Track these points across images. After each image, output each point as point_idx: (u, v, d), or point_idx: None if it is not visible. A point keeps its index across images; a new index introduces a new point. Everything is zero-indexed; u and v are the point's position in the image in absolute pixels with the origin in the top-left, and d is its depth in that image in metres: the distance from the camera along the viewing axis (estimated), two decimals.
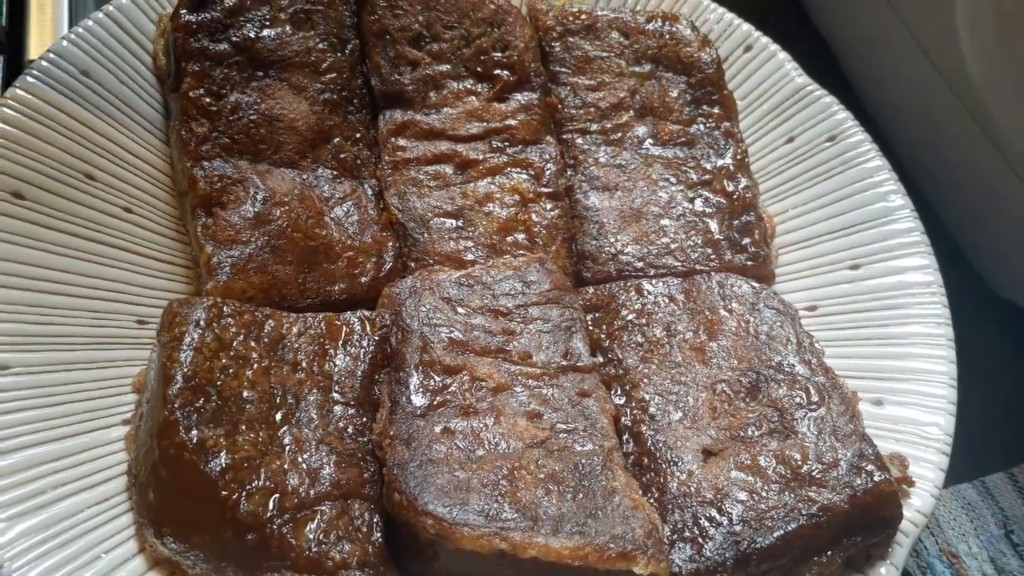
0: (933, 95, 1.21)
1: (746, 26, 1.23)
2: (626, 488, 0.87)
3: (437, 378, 0.92)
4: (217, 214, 1.00)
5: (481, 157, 1.10)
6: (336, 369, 0.93)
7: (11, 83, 1.00)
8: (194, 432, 0.86)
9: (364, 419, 0.91)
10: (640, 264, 1.08)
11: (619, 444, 0.92)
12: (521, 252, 1.05)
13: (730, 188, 1.12)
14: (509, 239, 1.06)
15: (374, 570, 0.84)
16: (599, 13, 1.21)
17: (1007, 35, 1.08)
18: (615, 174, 1.13)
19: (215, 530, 0.84)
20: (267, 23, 1.08)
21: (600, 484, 0.86)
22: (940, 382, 1.00)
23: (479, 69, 1.13)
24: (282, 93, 1.07)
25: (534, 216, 1.08)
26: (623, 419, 0.96)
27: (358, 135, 1.10)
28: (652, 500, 0.90)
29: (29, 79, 1.00)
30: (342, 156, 1.08)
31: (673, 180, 1.13)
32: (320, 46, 1.10)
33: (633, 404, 0.97)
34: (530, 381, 0.93)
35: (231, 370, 0.90)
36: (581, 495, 0.85)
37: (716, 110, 1.16)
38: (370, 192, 1.08)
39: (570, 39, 1.19)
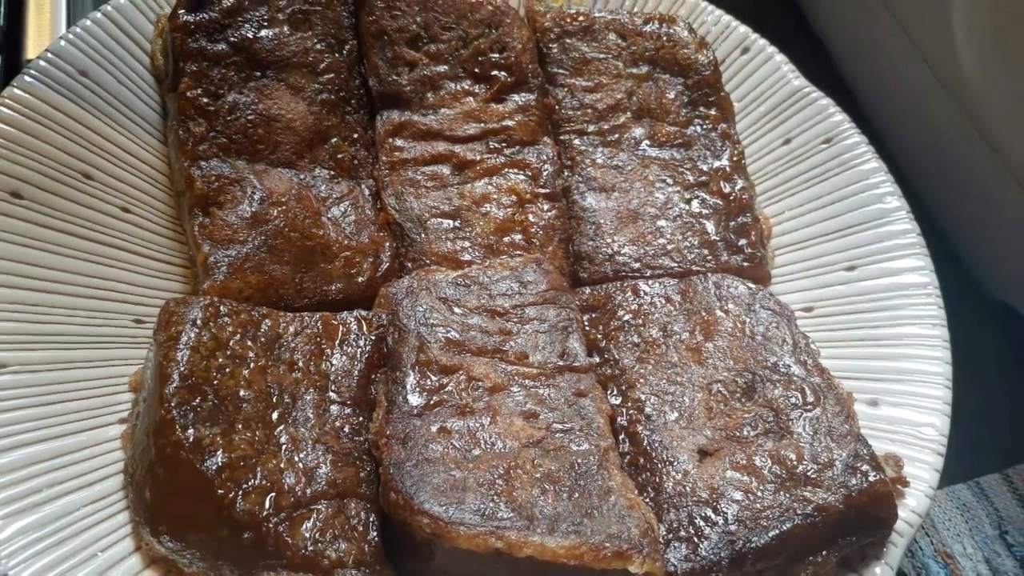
0: (929, 97, 1.22)
1: (743, 28, 1.23)
2: (622, 488, 0.87)
3: (433, 378, 0.92)
4: (214, 214, 1.00)
5: (478, 158, 1.10)
6: (333, 368, 0.93)
7: (9, 83, 1.00)
8: (190, 431, 0.86)
9: (360, 418, 0.91)
10: (636, 265, 1.08)
11: (615, 444, 0.92)
12: (518, 252, 1.05)
13: (726, 189, 1.12)
14: (506, 239, 1.06)
15: (370, 569, 0.84)
16: (596, 15, 1.21)
17: (1003, 38, 1.08)
18: (612, 175, 1.13)
19: (211, 528, 0.84)
20: (265, 23, 1.08)
21: (596, 484, 0.86)
22: (935, 383, 1.00)
23: (476, 70, 1.14)
24: (280, 93, 1.07)
25: (531, 217, 1.08)
26: (619, 419, 0.96)
27: (355, 135, 1.10)
28: (648, 500, 0.90)
29: (27, 79, 1.01)
30: (339, 156, 1.08)
31: (670, 181, 1.13)
32: (318, 47, 1.10)
33: (629, 404, 0.97)
34: (526, 381, 0.93)
35: (228, 369, 0.90)
36: (577, 495, 0.85)
37: (713, 112, 1.17)
38: (367, 192, 1.08)
39: (567, 40, 1.19)
